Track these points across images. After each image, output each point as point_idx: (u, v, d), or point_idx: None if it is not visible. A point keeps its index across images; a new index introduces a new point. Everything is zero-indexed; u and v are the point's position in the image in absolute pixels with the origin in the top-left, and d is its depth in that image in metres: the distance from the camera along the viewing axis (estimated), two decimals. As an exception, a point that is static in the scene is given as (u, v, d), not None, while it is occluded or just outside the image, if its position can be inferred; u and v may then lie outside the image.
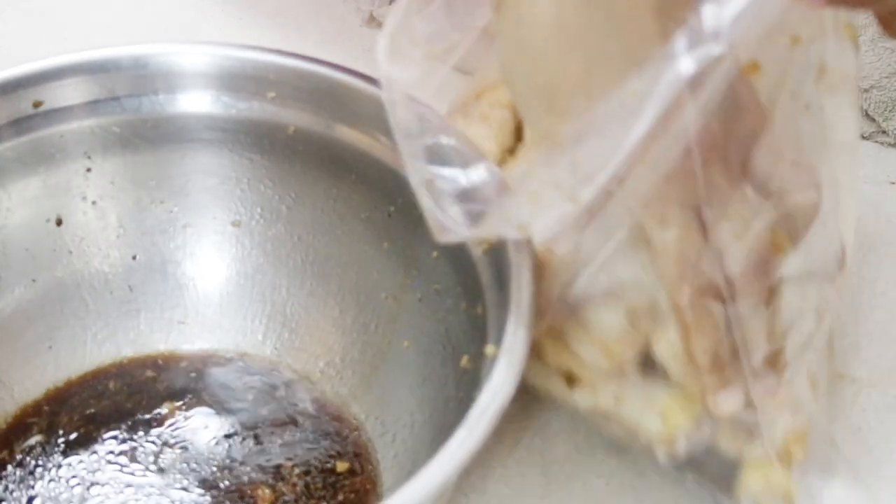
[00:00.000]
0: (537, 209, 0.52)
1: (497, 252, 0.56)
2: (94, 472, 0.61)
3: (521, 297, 0.54)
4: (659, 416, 0.58)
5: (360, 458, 0.62)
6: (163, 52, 0.65)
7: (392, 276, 0.63)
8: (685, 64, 0.48)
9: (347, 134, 0.63)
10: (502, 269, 0.56)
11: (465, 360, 0.58)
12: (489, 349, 0.54)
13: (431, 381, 0.60)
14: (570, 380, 0.59)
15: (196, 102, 0.65)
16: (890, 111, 0.82)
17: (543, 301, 0.56)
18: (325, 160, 0.64)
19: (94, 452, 0.62)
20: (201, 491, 0.61)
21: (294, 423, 0.63)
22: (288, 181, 0.66)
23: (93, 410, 0.64)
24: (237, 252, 0.67)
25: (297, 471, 0.61)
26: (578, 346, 0.58)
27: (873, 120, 0.83)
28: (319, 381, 0.65)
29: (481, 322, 0.56)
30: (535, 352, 0.57)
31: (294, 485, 0.61)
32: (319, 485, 0.61)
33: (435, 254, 0.60)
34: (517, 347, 0.52)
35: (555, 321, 0.57)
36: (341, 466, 0.62)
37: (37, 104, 0.64)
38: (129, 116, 0.65)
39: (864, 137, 0.82)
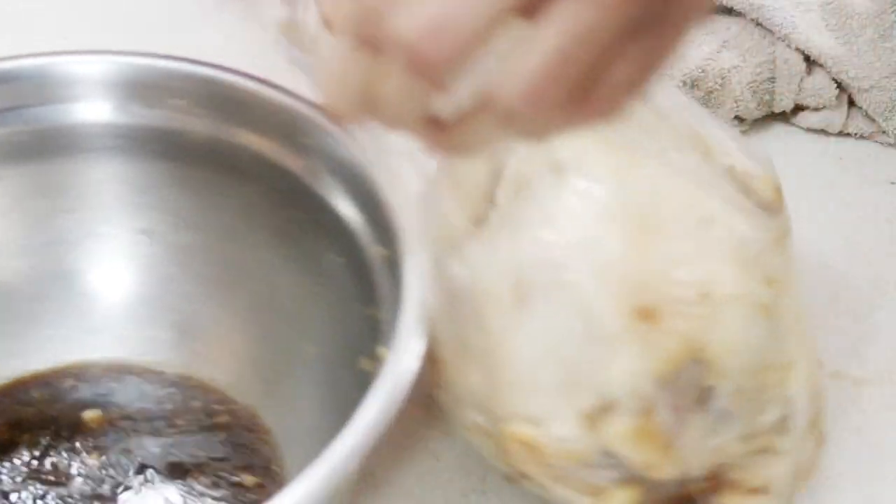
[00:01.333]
0: None
1: (395, 261, 0.57)
2: (15, 479, 0.62)
3: (412, 304, 0.54)
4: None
5: (269, 472, 0.63)
6: (63, 61, 0.66)
7: (299, 284, 0.64)
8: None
9: (257, 143, 0.64)
10: (398, 277, 0.56)
11: (363, 363, 0.58)
12: (381, 351, 0.55)
13: (335, 387, 0.61)
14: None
15: (98, 111, 0.66)
16: (890, 111, 0.80)
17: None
18: (235, 169, 0.65)
19: (17, 459, 0.63)
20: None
21: (208, 432, 0.64)
22: (197, 190, 0.66)
23: (19, 417, 0.65)
24: (146, 261, 0.68)
25: (207, 480, 0.62)
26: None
27: (873, 120, 0.81)
28: (230, 391, 0.66)
29: (376, 324, 0.57)
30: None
31: (203, 496, 0.62)
32: (230, 500, 0.62)
33: (341, 261, 0.61)
34: (407, 350, 0.53)
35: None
36: (249, 481, 0.63)
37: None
38: (32, 126, 0.66)
39: (863, 137, 0.80)
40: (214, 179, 0.66)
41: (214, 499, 0.62)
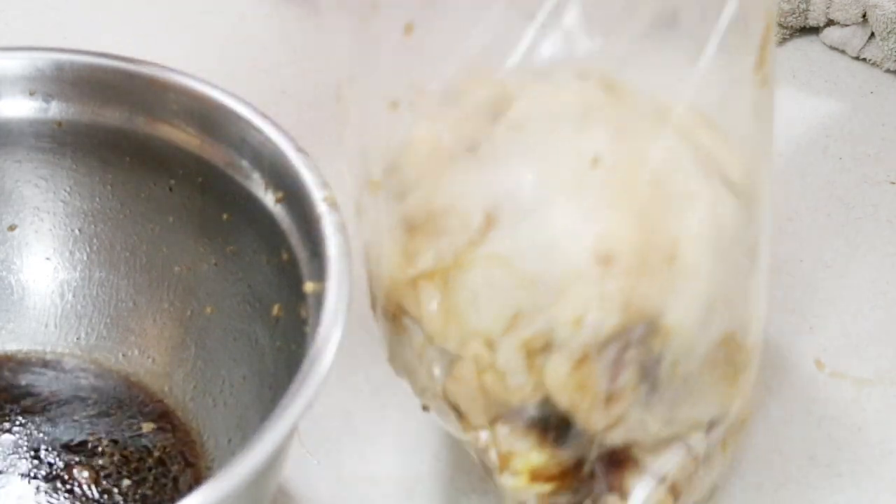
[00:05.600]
0: None
1: (293, 198, 0.57)
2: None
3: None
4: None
5: (169, 417, 0.63)
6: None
7: (182, 248, 0.64)
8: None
9: (115, 118, 0.63)
10: (304, 213, 0.56)
11: (276, 310, 0.58)
12: (308, 286, 0.54)
13: (241, 340, 0.61)
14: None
15: (19, 108, 0.64)
16: (889, 31, 0.82)
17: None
18: (95, 148, 0.64)
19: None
20: (19, 483, 0.61)
21: (81, 399, 0.64)
22: (59, 177, 0.65)
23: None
24: (21, 255, 0.67)
25: (105, 441, 0.62)
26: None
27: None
28: (128, 367, 0.65)
29: (289, 266, 0.56)
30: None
31: (111, 455, 0.61)
32: (132, 449, 0.62)
33: (225, 216, 0.61)
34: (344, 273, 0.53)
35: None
36: (147, 427, 0.63)
37: None
38: None
39: (876, 64, 0.85)
40: (81, 164, 0.65)
41: (120, 453, 0.62)
